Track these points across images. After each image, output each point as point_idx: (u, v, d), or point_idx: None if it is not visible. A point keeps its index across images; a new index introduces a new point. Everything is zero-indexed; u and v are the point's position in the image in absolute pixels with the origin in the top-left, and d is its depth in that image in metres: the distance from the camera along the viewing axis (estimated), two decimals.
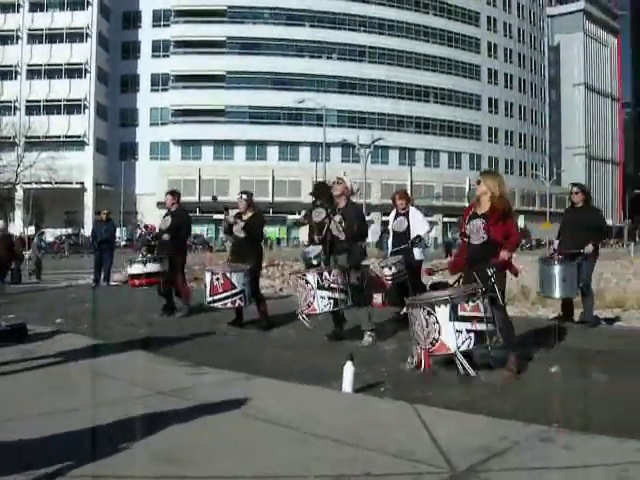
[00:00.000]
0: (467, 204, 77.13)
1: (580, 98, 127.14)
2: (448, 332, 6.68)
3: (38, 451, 4.35)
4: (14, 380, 6.45)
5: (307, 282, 8.72)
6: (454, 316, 6.66)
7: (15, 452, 4.35)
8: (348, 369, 6.08)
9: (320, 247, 10.44)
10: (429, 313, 6.76)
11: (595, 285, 11.25)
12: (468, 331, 6.69)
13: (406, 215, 10.72)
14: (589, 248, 10.14)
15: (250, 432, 4.85)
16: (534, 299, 12.43)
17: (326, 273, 8.65)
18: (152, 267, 11.57)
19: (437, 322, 6.70)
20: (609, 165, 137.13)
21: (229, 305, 9.97)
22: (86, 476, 3.92)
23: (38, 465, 4.03)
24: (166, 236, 11.75)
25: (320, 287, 8.59)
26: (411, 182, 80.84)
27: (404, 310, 7.35)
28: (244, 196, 10.68)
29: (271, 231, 66.02)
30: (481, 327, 6.74)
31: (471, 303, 6.75)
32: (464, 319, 6.69)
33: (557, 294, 9.91)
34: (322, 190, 10.73)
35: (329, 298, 8.59)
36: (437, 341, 6.73)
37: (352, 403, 5.77)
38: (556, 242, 10.73)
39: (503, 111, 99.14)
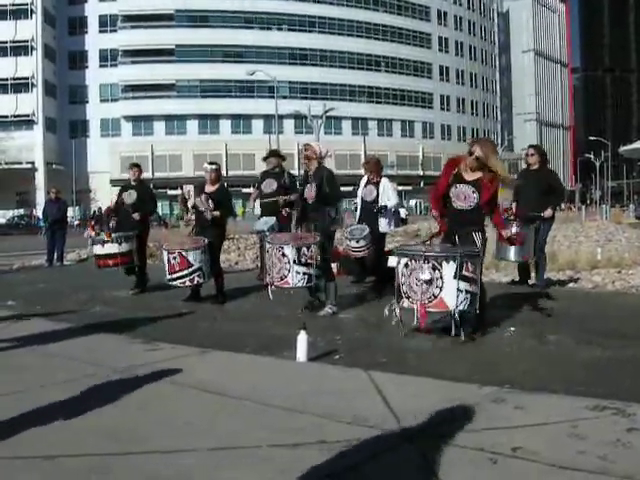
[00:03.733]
0: (421, 172, 76.75)
1: (530, 64, 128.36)
2: (450, 290, 6.58)
3: None
4: None
5: (284, 255, 8.41)
6: (459, 274, 6.57)
7: None
8: (302, 338, 6.08)
9: (272, 220, 10.41)
10: (434, 268, 6.60)
11: (548, 248, 11.38)
12: (467, 292, 6.64)
13: (376, 185, 10.63)
14: (549, 212, 10.22)
15: (203, 405, 4.82)
16: (487, 263, 12.53)
17: (305, 248, 8.40)
18: (125, 246, 11.31)
19: (441, 278, 6.58)
20: (560, 130, 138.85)
21: (187, 283, 9.86)
22: (38, 457, 3.87)
23: None
24: (136, 215, 11.52)
25: (297, 262, 8.35)
26: (365, 152, 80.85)
27: (391, 261, 7.20)
28: (214, 167, 10.35)
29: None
30: (475, 290, 6.73)
31: (472, 265, 6.69)
32: (466, 279, 6.62)
33: (513, 257, 9.84)
34: (273, 153, 10.69)
35: (304, 274, 8.41)
36: (436, 297, 6.61)
37: (305, 371, 5.77)
38: (513, 205, 10.69)
39: (454, 79, 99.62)
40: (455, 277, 6.56)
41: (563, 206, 67.43)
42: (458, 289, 6.58)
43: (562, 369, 5.68)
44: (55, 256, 18.22)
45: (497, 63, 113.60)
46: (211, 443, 4.03)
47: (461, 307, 6.65)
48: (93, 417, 4.60)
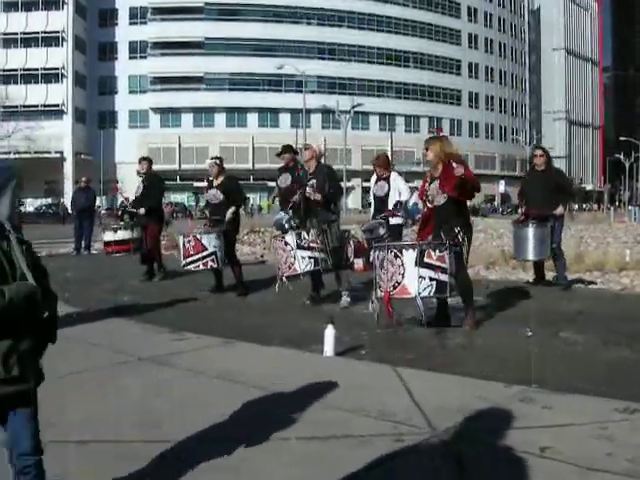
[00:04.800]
0: None
1: (560, 62, 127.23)
2: (411, 276, 6.84)
3: None
4: None
5: (286, 244, 8.78)
6: (420, 262, 6.82)
7: None
8: (329, 333, 6.08)
9: (290, 213, 10.46)
10: (396, 256, 6.95)
11: (575, 249, 11.32)
12: (431, 279, 6.87)
13: (387, 179, 10.67)
14: (560, 210, 10.30)
15: (229, 396, 4.83)
16: (514, 263, 12.48)
17: (304, 233, 8.71)
18: (123, 234, 11.76)
19: (402, 265, 6.89)
20: (589, 129, 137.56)
21: (201, 267, 10.06)
22: (71, 442, 3.90)
23: None
24: (141, 210, 11.92)
25: (300, 247, 8.65)
26: (391, 148, 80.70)
27: (371, 257, 7.57)
28: (217, 161, 10.62)
29: (252, 198, 65.83)
30: (444, 278, 6.92)
31: (437, 252, 6.93)
32: (429, 266, 6.87)
33: (531, 256, 10.09)
34: (287, 149, 10.80)
35: (309, 257, 8.65)
36: (399, 284, 6.92)
37: (333, 366, 5.77)
38: (521, 207, 10.90)
39: (483, 76, 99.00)
40: (416, 264, 6.83)
41: (584, 205, 66.80)
42: (420, 276, 6.83)
43: (590, 370, 5.64)
44: (83, 244, 18.37)
45: (527, 61, 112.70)
46: (238, 434, 4.04)
47: (425, 293, 6.91)
48: (121, 404, 4.64)
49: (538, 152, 11.00)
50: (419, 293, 6.83)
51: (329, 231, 8.90)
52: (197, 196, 73.34)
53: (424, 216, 7.67)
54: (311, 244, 8.64)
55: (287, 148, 11.23)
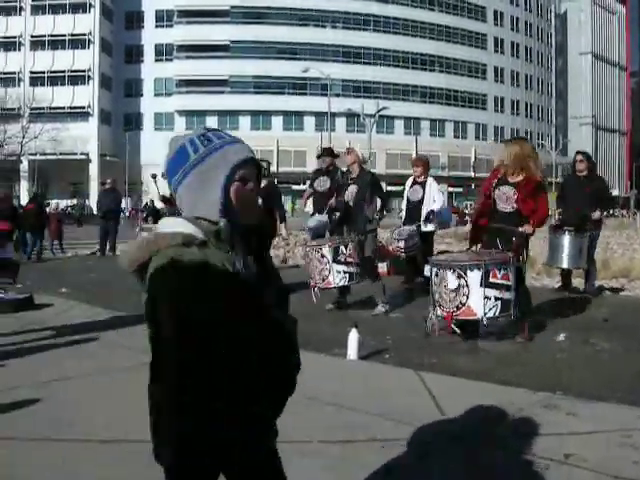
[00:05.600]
0: (472, 174, 75.75)
1: (587, 67, 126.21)
2: (477, 297, 6.61)
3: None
4: (26, 348, 6.46)
5: (323, 256, 8.59)
6: (485, 282, 6.59)
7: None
8: (353, 336, 6.10)
9: (325, 217, 10.41)
10: (459, 276, 6.67)
11: (602, 255, 11.22)
12: (496, 298, 6.64)
13: (422, 185, 10.58)
14: (597, 214, 10.12)
15: None
16: (539, 269, 12.39)
17: (342, 247, 8.57)
18: None
19: (467, 286, 6.63)
20: (616, 135, 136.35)
21: None
22: (94, 441, 3.95)
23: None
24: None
25: (336, 261, 8.51)
26: (416, 152, 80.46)
27: (426, 270, 7.33)
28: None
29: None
30: (508, 296, 6.70)
31: (502, 271, 6.68)
32: (494, 286, 6.63)
33: (565, 264, 9.67)
34: (327, 152, 10.75)
35: (344, 272, 8.55)
36: (464, 305, 6.67)
37: (356, 369, 5.79)
38: (557, 212, 10.64)
39: (509, 80, 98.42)
40: (481, 285, 6.58)
41: (617, 212, 66.21)
42: (485, 296, 6.60)
43: (615, 377, 5.61)
44: (107, 246, 18.48)
45: (553, 65, 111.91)
46: None
47: (490, 314, 6.67)
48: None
49: (579, 157, 10.72)
50: (485, 314, 6.64)
51: (365, 242, 8.82)
52: None
53: (478, 211, 7.48)
54: (347, 259, 8.53)
55: (327, 151, 11.21)
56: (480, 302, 6.60)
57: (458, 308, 6.69)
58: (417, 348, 6.68)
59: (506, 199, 7.06)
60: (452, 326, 6.78)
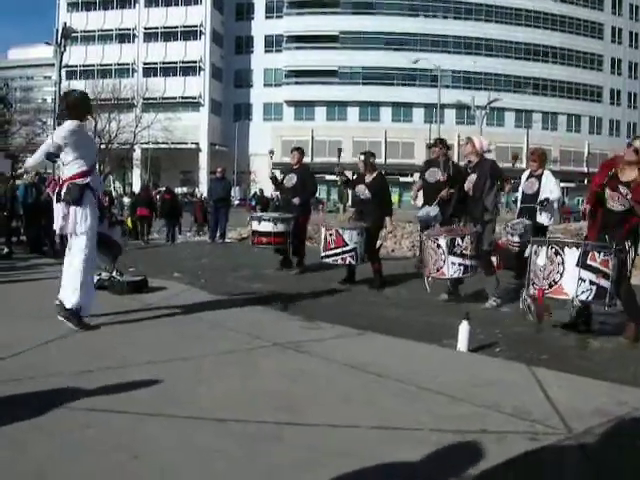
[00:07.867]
0: (585, 169, 73.24)
1: None
2: (571, 277, 6.46)
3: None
4: (141, 329, 6.69)
5: (439, 246, 8.49)
6: (583, 262, 6.42)
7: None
8: (464, 328, 6.06)
9: (435, 209, 10.33)
10: (557, 253, 6.54)
11: None
12: (591, 283, 6.45)
13: (539, 178, 10.35)
14: None
15: (363, 385, 4.89)
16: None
17: (459, 239, 8.47)
18: (281, 227, 11.54)
19: (563, 263, 6.49)
20: None
21: (339, 261, 10.08)
22: (210, 419, 4.07)
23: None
24: (296, 200, 11.80)
25: (452, 253, 8.42)
26: (527, 145, 78.71)
27: (527, 252, 7.23)
28: (361, 157, 10.60)
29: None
30: (604, 284, 6.48)
31: (602, 255, 6.47)
32: (591, 269, 6.44)
33: None
34: (439, 142, 10.66)
35: (459, 264, 8.45)
36: (556, 283, 6.53)
37: (467, 361, 5.74)
38: None
39: (627, 72, 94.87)
40: (578, 264, 6.41)
41: None
42: (580, 278, 6.41)
43: None
44: (218, 233, 18.92)
45: None
46: (372, 421, 4.09)
47: (582, 297, 6.49)
48: (258, 386, 4.77)
49: None
50: (576, 295, 6.47)
51: (482, 234, 8.69)
52: (329, 189, 74.16)
53: (587, 210, 7.28)
54: (464, 251, 8.44)
55: (439, 141, 11.16)
56: (574, 282, 6.43)
57: (550, 286, 6.56)
58: (528, 343, 6.57)
59: (617, 198, 6.81)
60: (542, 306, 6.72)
